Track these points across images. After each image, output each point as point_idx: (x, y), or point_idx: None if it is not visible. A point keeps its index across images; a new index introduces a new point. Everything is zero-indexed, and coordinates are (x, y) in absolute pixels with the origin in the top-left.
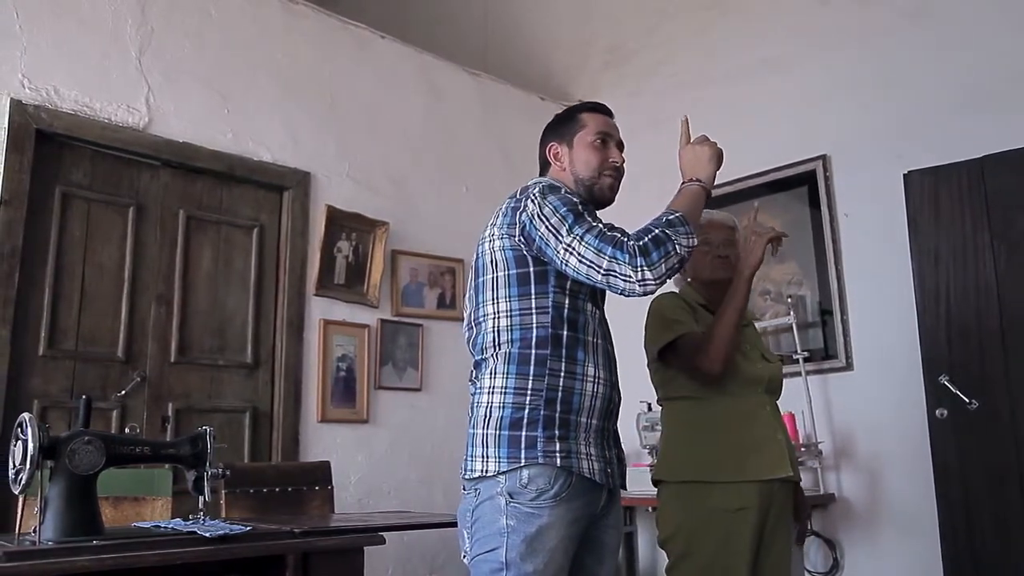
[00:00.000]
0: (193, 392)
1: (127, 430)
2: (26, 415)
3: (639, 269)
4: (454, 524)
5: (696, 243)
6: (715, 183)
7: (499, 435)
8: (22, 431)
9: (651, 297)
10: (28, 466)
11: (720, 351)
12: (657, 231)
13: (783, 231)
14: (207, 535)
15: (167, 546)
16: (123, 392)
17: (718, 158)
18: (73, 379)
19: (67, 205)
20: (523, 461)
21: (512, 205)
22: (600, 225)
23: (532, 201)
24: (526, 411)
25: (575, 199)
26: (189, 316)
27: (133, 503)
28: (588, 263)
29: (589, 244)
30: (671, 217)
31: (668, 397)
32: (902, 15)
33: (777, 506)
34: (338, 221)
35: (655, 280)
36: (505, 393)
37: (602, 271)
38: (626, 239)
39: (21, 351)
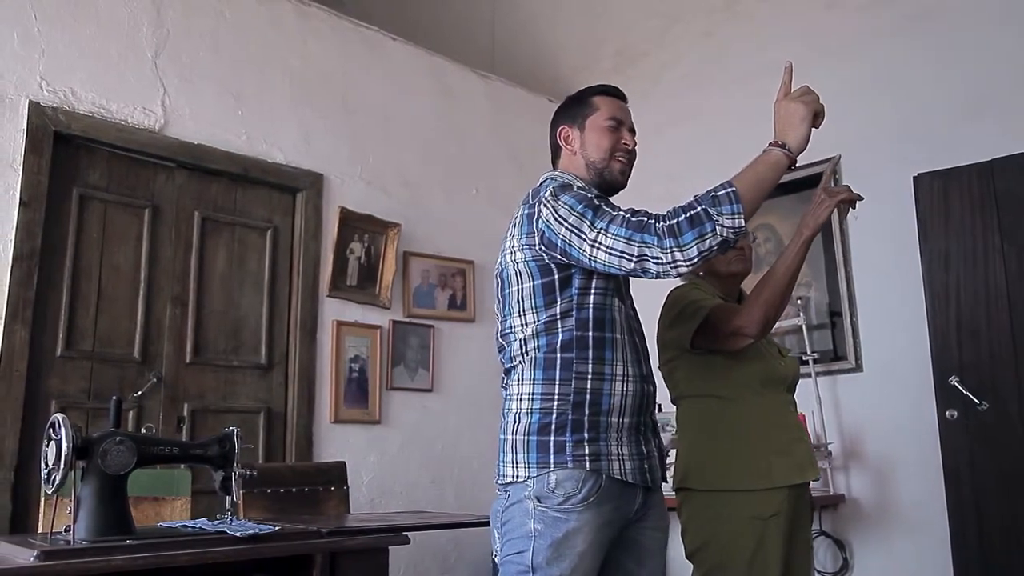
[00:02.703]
0: (208, 393)
1: (143, 430)
2: (59, 416)
3: (668, 251)
4: (473, 524)
5: (744, 224)
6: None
7: (528, 440)
8: (54, 431)
9: (663, 290)
10: (62, 466)
11: (761, 312)
12: (699, 208)
13: (858, 193)
14: (237, 534)
15: (199, 545)
16: (139, 393)
17: (814, 118)
18: (90, 379)
19: (84, 206)
20: (552, 466)
21: (527, 212)
22: (622, 212)
23: (545, 205)
24: (554, 416)
25: (589, 193)
26: (204, 317)
27: (153, 503)
28: (619, 254)
29: (616, 234)
30: (721, 193)
31: (687, 395)
32: (908, 18)
33: (802, 509)
34: (351, 223)
35: (687, 262)
36: (532, 399)
37: (634, 258)
38: (654, 220)
39: (39, 351)
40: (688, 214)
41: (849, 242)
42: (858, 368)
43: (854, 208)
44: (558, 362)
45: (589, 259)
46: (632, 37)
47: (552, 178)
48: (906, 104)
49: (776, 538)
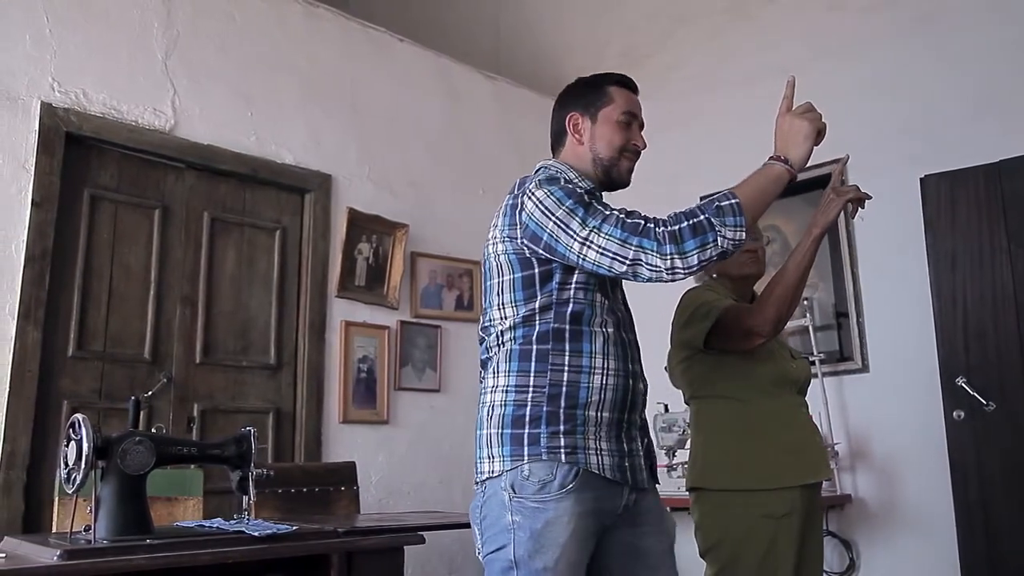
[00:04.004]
0: (217, 393)
1: (153, 431)
2: (79, 416)
3: (668, 257)
4: None
5: (744, 237)
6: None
7: (502, 434)
8: (75, 431)
9: (674, 293)
10: (83, 466)
11: (774, 310)
12: (701, 217)
13: (867, 192)
14: (256, 534)
15: (218, 545)
16: (150, 393)
17: (817, 136)
18: (101, 380)
19: (95, 207)
20: (526, 458)
21: (510, 203)
22: (616, 212)
23: (530, 198)
24: (528, 408)
25: (578, 188)
26: (213, 317)
27: (166, 503)
28: (612, 255)
29: (611, 235)
30: (725, 203)
31: (700, 395)
32: (915, 19)
33: (814, 508)
34: (359, 223)
35: (685, 270)
36: (507, 391)
37: (628, 262)
38: (652, 224)
39: (51, 352)
40: (691, 222)
41: (856, 243)
42: (864, 369)
43: (863, 207)
44: (533, 353)
45: (578, 257)
46: (637, 39)
47: (544, 167)
48: (912, 105)
49: (788, 537)
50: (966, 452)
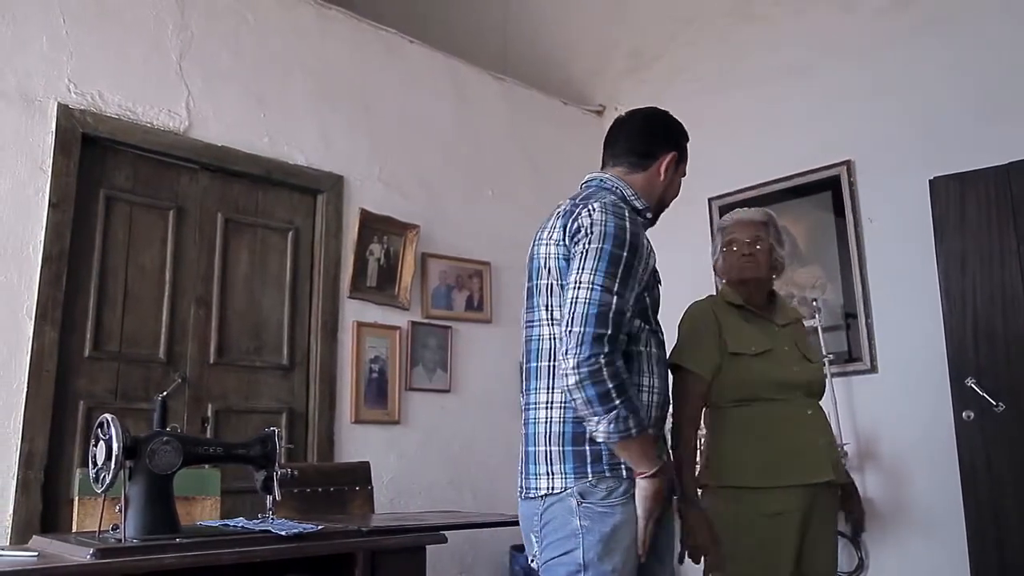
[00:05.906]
0: (231, 393)
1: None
2: (108, 416)
3: (574, 372)
4: (504, 524)
5: (613, 438)
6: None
7: (563, 451)
8: (103, 431)
9: (681, 303)
10: (113, 466)
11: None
12: (617, 402)
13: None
14: (283, 533)
15: (246, 544)
16: (165, 393)
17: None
18: (117, 380)
19: (111, 208)
20: (590, 475)
21: (568, 208)
22: (630, 300)
23: (590, 216)
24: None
25: (633, 242)
26: (227, 318)
27: (184, 502)
28: (572, 312)
29: (592, 302)
30: (631, 426)
31: (708, 403)
32: (924, 21)
33: (820, 509)
34: (370, 224)
35: (573, 377)
36: (564, 408)
37: (566, 330)
38: (609, 350)
39: (68, 352)
40: (610, 387)
41: (864, 244)
42: (873, 369)
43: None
44: None
45: (571, 283)
46: (644, 40)
47: (609, 190)
48: (922, 107)
49: (784, 537)
50: (975, 452)
